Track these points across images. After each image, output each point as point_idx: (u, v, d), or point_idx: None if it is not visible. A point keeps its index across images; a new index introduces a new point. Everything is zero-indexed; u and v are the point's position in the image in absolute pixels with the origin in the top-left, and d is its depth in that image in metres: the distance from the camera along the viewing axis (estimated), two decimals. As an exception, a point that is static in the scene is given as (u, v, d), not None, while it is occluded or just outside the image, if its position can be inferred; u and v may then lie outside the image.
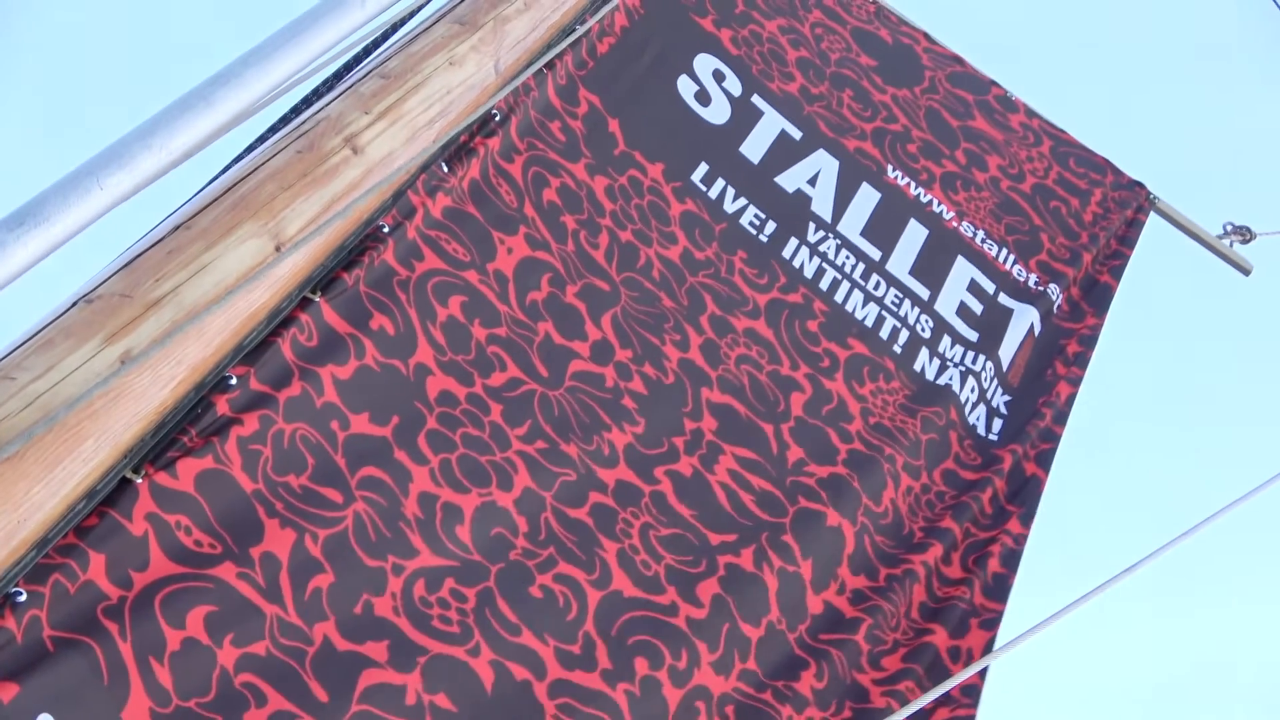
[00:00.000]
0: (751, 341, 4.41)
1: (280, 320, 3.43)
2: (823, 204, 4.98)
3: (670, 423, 4.07)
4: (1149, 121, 10.07)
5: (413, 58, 3.95)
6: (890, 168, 5.28)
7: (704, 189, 4.68)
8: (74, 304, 3.07)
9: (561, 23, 4.42)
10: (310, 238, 3.26)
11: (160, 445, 3.10)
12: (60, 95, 9.48)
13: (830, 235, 4.90)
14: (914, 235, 5.15)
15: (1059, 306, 5.28)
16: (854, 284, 4.82)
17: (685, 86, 4.89)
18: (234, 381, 3.27)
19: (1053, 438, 4.77)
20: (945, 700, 3.88)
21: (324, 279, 3.57)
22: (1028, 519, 4.47)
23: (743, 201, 4.75)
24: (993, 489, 4.51)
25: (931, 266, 5.10)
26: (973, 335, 5.00)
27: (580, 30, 4.41)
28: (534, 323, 3.95)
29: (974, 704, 3.91)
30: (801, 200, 4.93)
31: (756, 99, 5.07)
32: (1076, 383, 5.02)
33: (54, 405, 2.84)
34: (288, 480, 3.27)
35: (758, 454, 4.18)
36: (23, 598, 2.77)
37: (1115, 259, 5.58)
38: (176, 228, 3.30)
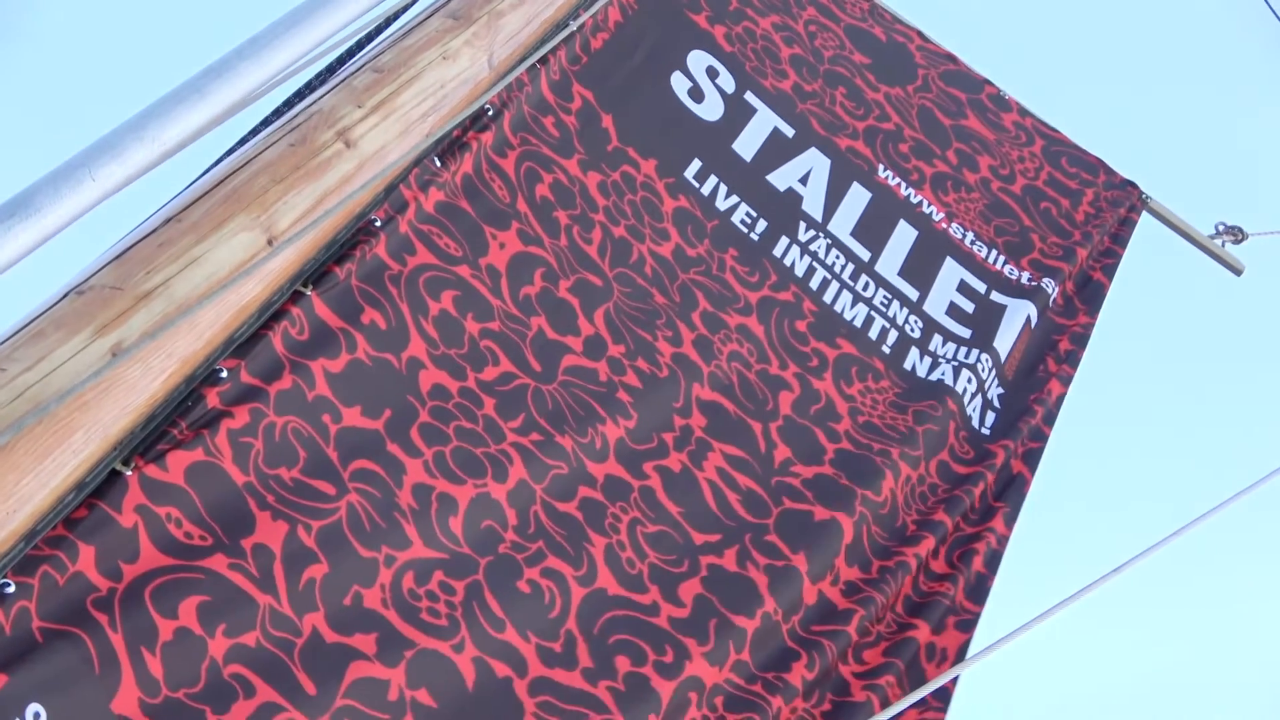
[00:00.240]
0: (743, 338, 4.42)
1: (271, 313, 3.43)
2: (814, 203, 4.98)
3: (661, 418, 4.07)
4: (1142, 121, 10.08)
5: (406, 52, 3.95)
6: (881, 167, 5.29)
7: (696, 185, 4.68)
8: (65, 295, 3.07)
9: (555, 18, 4.42)
10: (302, 231, 3.26)
11: (150, 438, 3.10)
12: (54, 85, 9.47)
13: (820, 235, 4.90)
14: (903, 236, 5.15)
15: (1054, 300, 5.28)
16: (843, 284, 4.82)
17: (679, 83, 4.89)
18: (225, 374, 3.27)
19: (1041, 437, 4.78)
20: (916, 702, 3.88)
21: (315, 272, 3.57)
22: (1011, 519, 4.47)
23: (735, 199, 4.75)
24: (984, 484, 4.51)
25: (920, 267, 5.10)
26: (965, 332, 5.00)
27: (574, 25, 4.41)
28: (527, 317, 3.95)
29: (944, 707, 3.92)
30: (793, 199, 4.93)
31: (750, 96, 5.07)
32: (1067, 382, 5.03)
33: (44, 397, 2.84)
34: (279, 473, 3.27)
35: (746, 452, 4.18)
36: (11, 589, 2.77)
37: (1108, 257, 5.59)
38: (168, 220, 3.29)
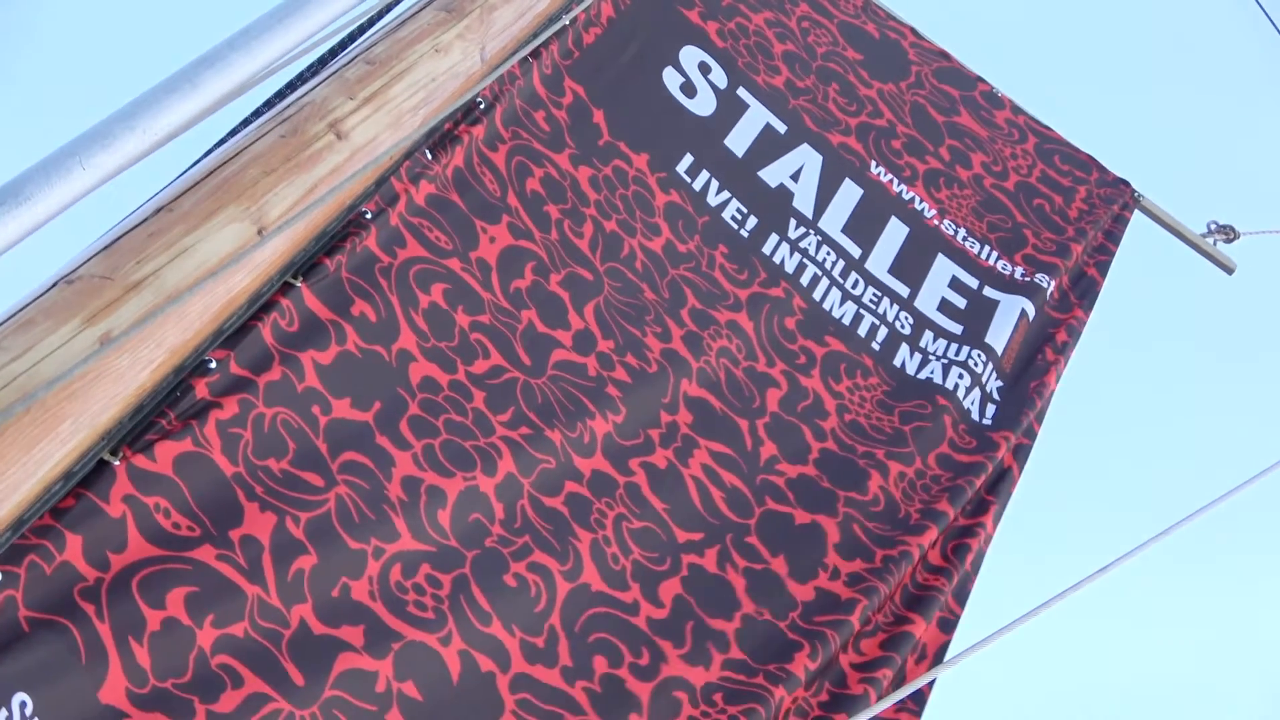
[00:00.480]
0: (733, 334, 4.42)
1: (261, 305, 3.43)
2: (805, 200, 4.98)
3: (649, 414, 4.07)
4: (1135, 119, 10.09)
5: (399, 44, 3.95)
6: (874, 163, 5.29)
7: (688, 181, 4.68)
8: (54, 285, 3.06)
9: (547, 12, 4.42)
10: (292, 222, 3.26)
11: (138, 428, 3.09)
12: (45, 74, 9.46)
13: (811, 232, 4.90)
14: (894, 233, 5.15)
15: (1050, 295, 5.28)
16: (833, 281, 4.82)
17: (671, 78, 4.89)
18: (213, 365, 3.26)
19: (1032, 434, 4.78)
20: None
21: (305, 264, 3.57)
22: (999, 516, 4.48)
23: (726, 195, 4.75)
24: (984, 475, 4.50)
25: (911, 264, 5.10)
26: (957, 328, 5.00)
27: (566, 19, 4.42)
28: (517, 311, 3.95)
29: (919, 710, 3.92)
30: (784, 195, 4.93)
31: (742, 92, 5.07)
32: (1059, 377, 5.03)
33: (32, 386, 2.83)
34: (268, 464, 3.26)
35: (732, 449, 4.18)
36: (-2, 578, 2.77)
37: (1101, 254, 5.59)
38: (158, 210, 3.29)
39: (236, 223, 3.33)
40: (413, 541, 3.40)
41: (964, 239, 5.31)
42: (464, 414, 3.66)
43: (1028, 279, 5.29)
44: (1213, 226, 6.16)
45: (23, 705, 2.69)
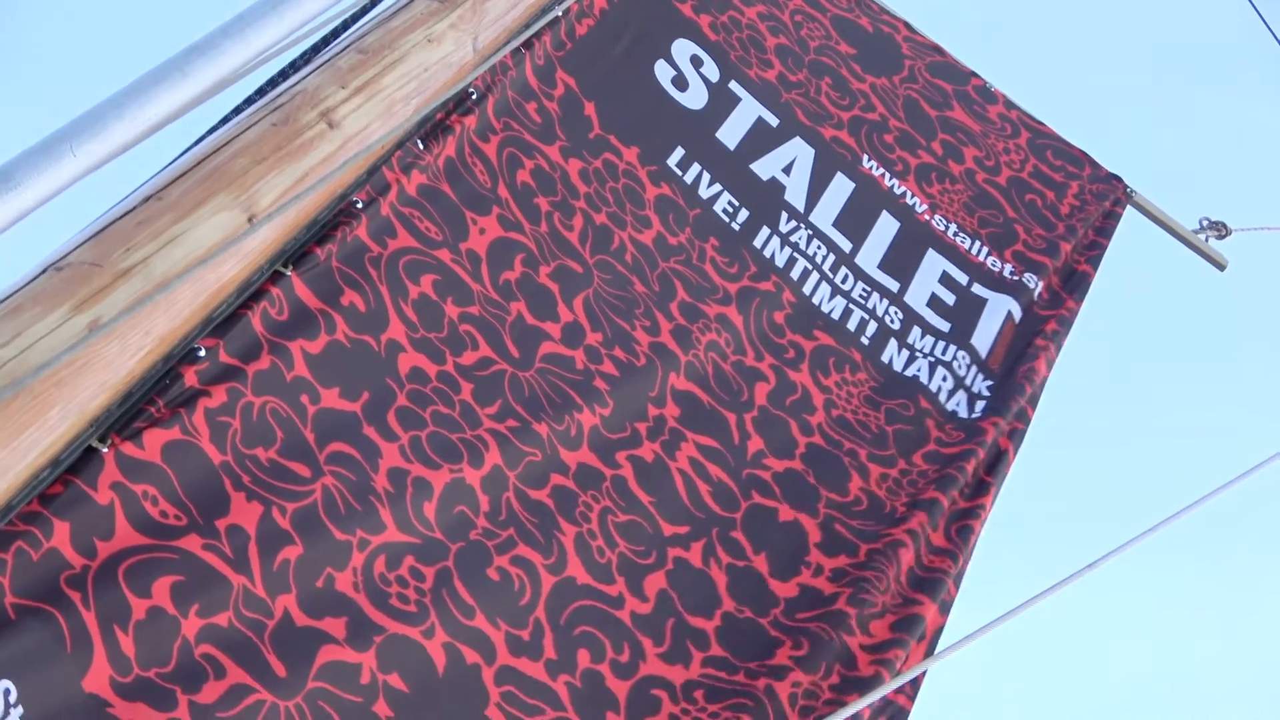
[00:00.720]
0: (722, 328, 4.41)
1: (250, 293, 3.43)
2: (796, 193, 4.98)
3: (636, 407, 4.07)
4: (1127, 115, 10.09)
5: (391, 33, 3.95)
6: (865, 158, 5.29)
7: (679, 174, 4.67)
8: (43, 271, 3.06)
9: (540, 3, 4.41)
10: (283, 211, 3.26)
11: (127, 415, 3.09)
12: (37, 60, 9.45)
13: (802, 225, 4.90)
14: (885, 227, 5.15)
15: (1039, 295, 5.28)
16: (823, 275, 4.82)
17: (662, 71, 4.88)
18: (202, 353, 3.26)
19: (1025, 418, 4.77)
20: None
21: (296, 253, 3.56)
22: (994, 497, 4.46)
23: (717, 188, 4.75)
24: (976, 460, 4.50)
25: (902, 259, 5.10)
26: (944, 326, 5.00)
27: (559, 10, 4.41)
28: (506, 302, 3.95)
29: (913, 695, 3.91)
30: (775, 188, 4.93)
31: (734, 85, 5.07)
32: (1051, 364, 5.02)
33: (20, 372, 2.83)
34: (256, 453, 3.26)
35: (719, 443, 4.18)
36: (-15, 564, 2.77)
37: (1092, 249, 5.59)
38: (148, 198, 3.29)
39: (227, 211, 3.32)
40: (398, 533, 3.40)
41: (955, 234, 5.31)
42: (451, 406, 3.66)
43: (1016, 278, 5.29)
44: (1205, 223, 6.16)
45: (6, 692, 2.69)
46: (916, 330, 4.92)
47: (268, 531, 3.18)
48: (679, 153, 4.72)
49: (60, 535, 2.88)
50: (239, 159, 3.43)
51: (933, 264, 5.16)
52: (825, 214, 5.00)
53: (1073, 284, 5.39)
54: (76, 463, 2.97)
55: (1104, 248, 5.63)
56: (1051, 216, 5.61)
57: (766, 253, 4.72)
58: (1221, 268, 6.10)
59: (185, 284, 3.15)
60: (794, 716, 3.68)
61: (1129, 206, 5.92)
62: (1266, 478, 3.74)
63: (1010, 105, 5.99)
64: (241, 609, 3.07)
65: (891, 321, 4.88)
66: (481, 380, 3.76)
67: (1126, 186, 5.93)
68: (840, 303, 4.80)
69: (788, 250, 4.78)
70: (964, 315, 5.08)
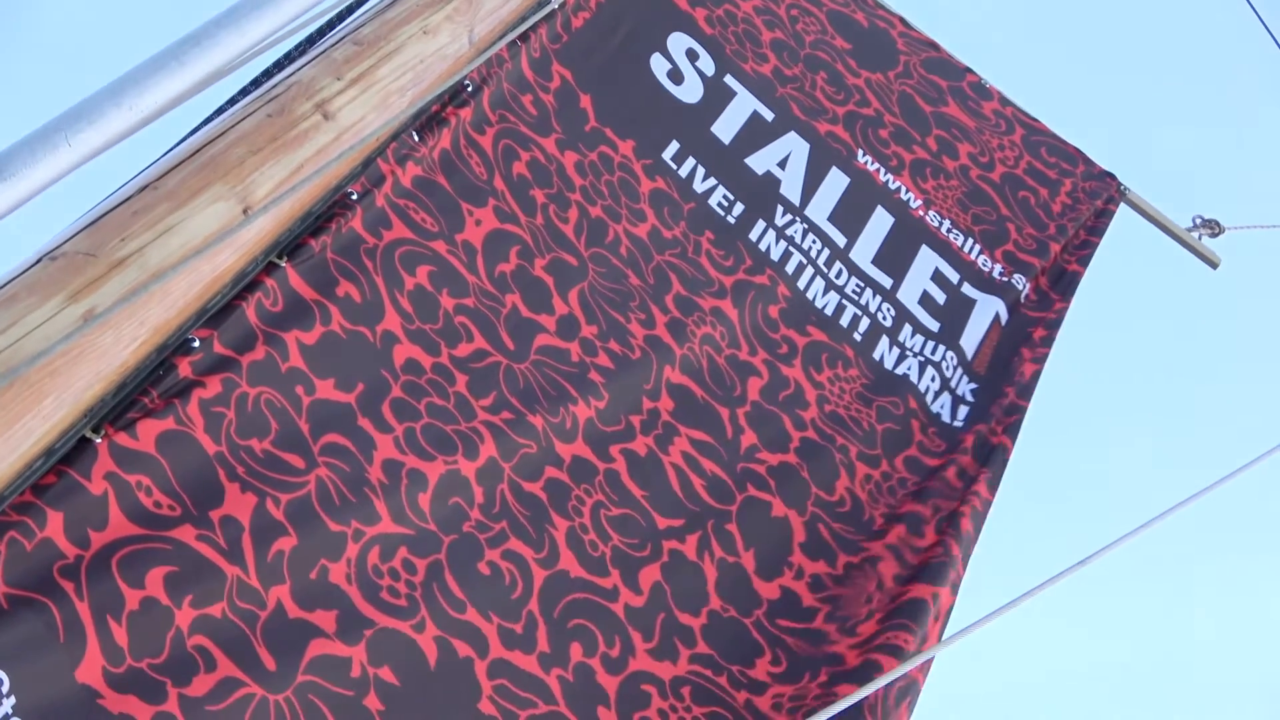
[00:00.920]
0: (717, 321, 4.41)
1: (245, 284, 3.42)
2: (791, 187, 4.98)
3: (630, 401, 4.06)
4: (1121, 113, 10.10)
5: (387, 25, 3.94)
6: (860, 152, 5.29)
7: (674, 167, 4.67)
8: (38, 261, 3.05)
9: (536, -5, 4.41)
10: (278, 202, 3.25)
11: (121, 405, 3.09)
12: (32, 50, 9.44)
13: (797, 219, 4.90)
14: (880, 223, 5.15)
15: (1026, 296, 5.29)
16: (817, 270, 4.82)
17: (658, 64, 4.88)
18: (197, 344, 3.26)
19: (1018, 410, 4.75)
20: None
21: (290, 244, 3.56)
22: (994, 484, 4.42)
23: (712, 181, 4.75)
24: (957, 466, 4.50)
25: (895, 255, 5.11)
26: (934, 325, 5.01)
27: (555, 3, 4.41)
28: (502, 294, 3.95)
29: (924, 671, 3.90)
30: (771, 182, 4.93)
31: (729, 79, 5.07)
32: (1042, 361, 5.02)
33: (15, 361, 2.83)
34: (250, 444, 3.26)
35: (712, 437, 4.18)
36: (-23, 554, 2.76)
37: (1084, 248, 5.60)
38: (144, 187, 3.28)
39: (222, 201, 3.32)
40: (393, 525, 3.39)
41: (948, 231, 5.32)
42: (446, 397, 3.66)
43: (1005, 279, 5.29)
44: (1198, 221, 6.16)
45: (0, 682, 2.69)
46: (908, 328, 4.92)
47: (262, 523, 3.17)
48: (674, 146, 4.72)
49: (53, 525, 2.87)
50: (234, 149, 3.43)
51: (926, 260, 5.17)
52: (820, 208, 5.00)
53: (1062, 284, 5.40)
54: (70, 453, 2.97)
55: (1095, 246, 5.63)
56: (1044, 215, 5.61)
57: (762, 246, 4.72)
58: (1214, 266, 6.10)
59: (180, 274, 3.15)
60: (781, 717, 3.69)
61: (1122, 204, 5.92)
62: (1257, 475, 3.75)
63: (1005, 102, 5.99)
64: (236, 600, 3.06)
65: (884, 319, 4.89)
66: (476, 372, 3.76)
67: (1120, 184, 5.94)
68: (834, 298, 4.80)
69: (783, 244, 4.78)
70: (953, 315, 5.08)
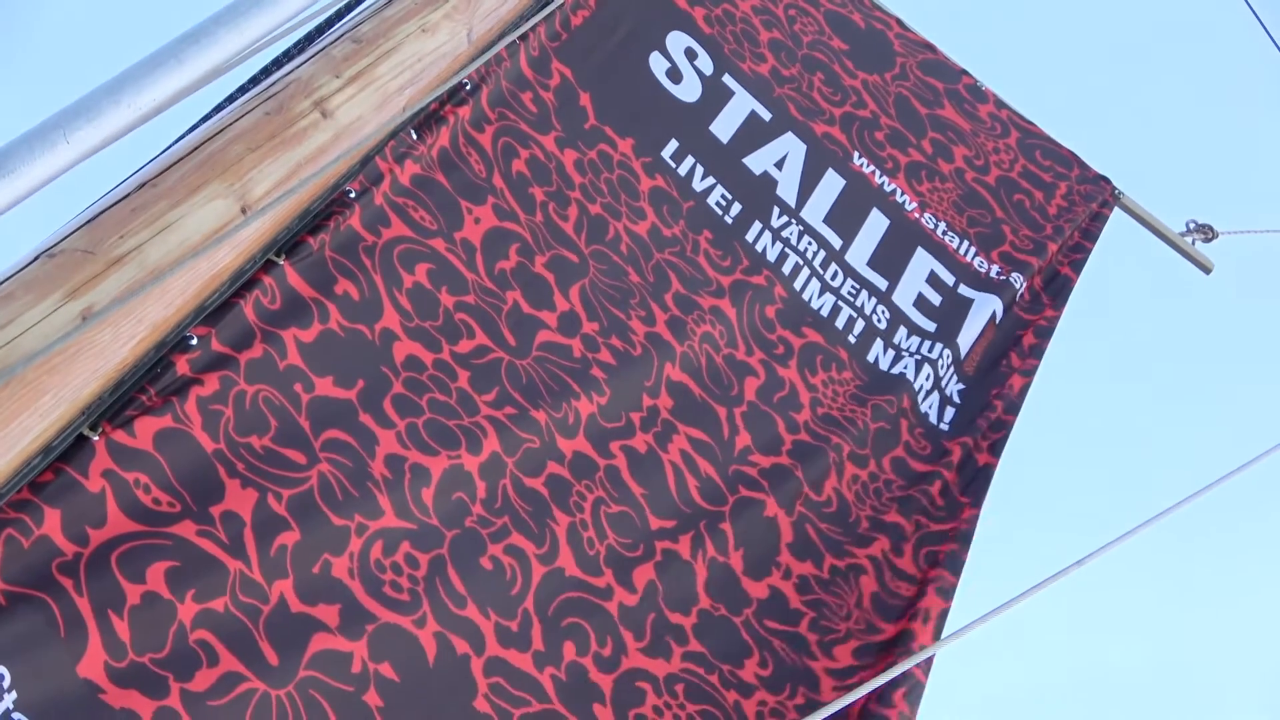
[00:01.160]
0: (716, 320, 4.42)
1: (243, 282, 3.42)
2: (788, 188, 4.98)
3: (631, 397, 4.07)
4: (1116, 116, 10.10)
5: (386, 23, 3.94)
6: (856, 154, 5.29)
7: (673, 165, 4.67)
8: (36, 258, 3.05)
9: (535, -6, 4.41)
10: (276, 200, 3.25)
11: (119, 403, 3.09)
12: (30, 47, 9.42)
13: (793, 220, 4.90)
14: (875, 225, 5.15)
15: (1020, 295, 5.30)
16: (813, 271, 4.82)
17: (657, 63, 4.88)
18: (195, 342, 3.25)
19: (1004, 426, 4.78)
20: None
21: (288, 242, 3.56)
22: (978, 504, 4.46)
23: (711, 180, 4.75)
24: (942, 482, 4.51)
25: (891, 257, 5.11)
26: (930, 325, 5.01)
27: (554, 2, 4.40)
28: (502, 291, 3.95)
29: (925, 671, 3.91)
30: (768, 183, 4.93)
31: (728, 79, 5.07)
32: (1031, 373, 5.03)
33: (12, 359, 2.82)
34: (249, 441, 3.25)
35: (709, 436, 4.18)
36: (-25, 551, 2.76)
37: (1077, 252, 5.60)
38: (142, 185, 3.28)
39: (220, 199, 3.31)
40: (396, 519, 3.39)
41: (944, 233, 5.32)
42: (448, 393, 3.66)
43: (1002, 278, 5.30)
44: (1191, 225, 6.17)
45: (1, 677, 2.68)
46: (902, 330, 4.93)
47: (264, 518, 3.17)
48: (673, 145, 4.72)
49: (51, 522, 2.87)
50: (233, 147, 3.42)
51: (921, 263, 5.17)
52: (816, 210, 5.00)
53: (1054, 288, 5.41)
54: (68, 450, 2.96)
55: (1088, 251, 5.64)
56: (1039, 217, 5.62)
57: (758, 247, 4.72)
58: (1207, 271, 6.11)
59: (178, 272, 3.14)
60: None
61: (1116, 208, 5.93)
62: (1252, 477, 3.76)
63: (1000, 104, 6.00)
64: (239, 594, 3.06)
65: (879, 321, 4.89)
66: (478, 368, 3.76)
67: (1114, 188, 5.94)
68: (829, 299, 4.80)
69: (779, 245, 4.78)
70: (950, 315, 5.09)
